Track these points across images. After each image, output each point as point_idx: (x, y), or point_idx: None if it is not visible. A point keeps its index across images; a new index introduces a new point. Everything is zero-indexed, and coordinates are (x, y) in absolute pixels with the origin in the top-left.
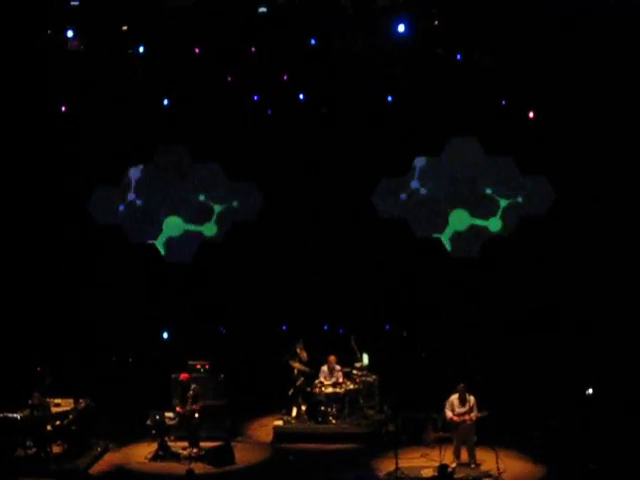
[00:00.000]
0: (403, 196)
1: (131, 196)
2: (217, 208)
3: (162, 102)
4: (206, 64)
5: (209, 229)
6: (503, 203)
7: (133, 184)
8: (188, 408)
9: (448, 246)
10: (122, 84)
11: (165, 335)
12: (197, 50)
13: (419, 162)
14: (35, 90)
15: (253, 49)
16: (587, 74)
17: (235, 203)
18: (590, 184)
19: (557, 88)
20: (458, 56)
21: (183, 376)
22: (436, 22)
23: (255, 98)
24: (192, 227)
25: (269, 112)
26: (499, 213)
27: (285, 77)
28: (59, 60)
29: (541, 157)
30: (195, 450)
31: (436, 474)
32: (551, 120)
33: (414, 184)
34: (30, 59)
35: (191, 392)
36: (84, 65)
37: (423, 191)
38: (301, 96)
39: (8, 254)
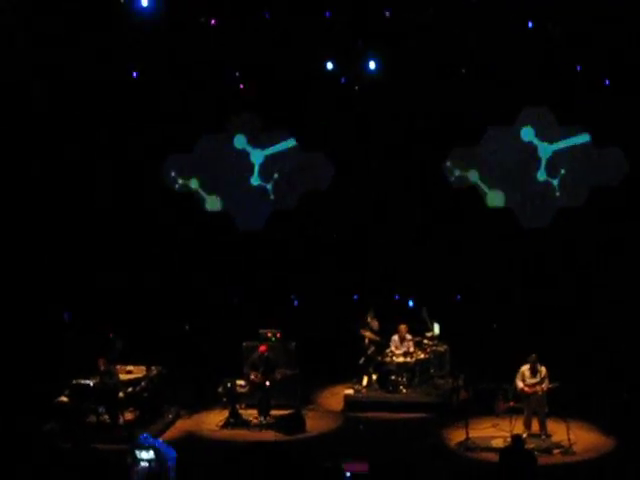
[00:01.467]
0: (477, 166)
1: (209, 165)
2: (289, 177)
3: (233, 72)
4: (277, 32)
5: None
6: (576, 173)
7: (214, 153)
8: (263, 379)
9: (520, 217)
10: (194, 53)
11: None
12: (267, 17)
13: (499, 133)
14: (107, 56)
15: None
16: None
17: (307, 172)
18: None
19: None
20: (529, 24)
21: (262, 348)
22: None
23: (328, 67)
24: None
25: (342, 80)
26: (571, 183)
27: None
28: (129, 26)
29: (615, 128)
30: (257, 419)
31: (509, 444)
32: (627, 90)
33: (492, 155)
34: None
35: (267, 362)
36: (157, 32)
37: (498, 161)
38: (372, 64)
39: (83, 219)
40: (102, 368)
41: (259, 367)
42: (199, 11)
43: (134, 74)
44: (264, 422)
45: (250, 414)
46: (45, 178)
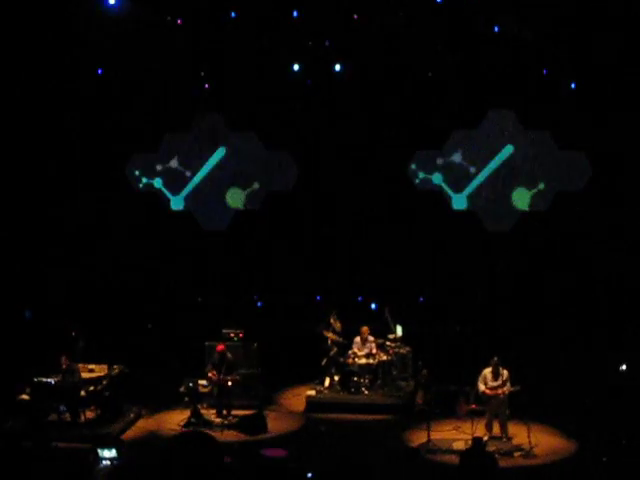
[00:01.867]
0: (440, 169)
1: (173, 164)
2: (253, 177)
3: (199, 70)
4: (245, 31)
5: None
6: (540, 178)
7: (176, 152)
8: (222, 377)
9: (483, 220)
10: (160, 51)
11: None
12: (234, 16)
13: (459, 135)
14: (71, 54)
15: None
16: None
17: (270, 172)
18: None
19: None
20: (495, 28)
21: (219, 347)
22: None
23: (294, 68)
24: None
25: (308, 82)
26: (535, 188)
27: (325, 45)
28: (96, 25)
29: (579, 132)
30: (219, 420)
31: (470, 446)
32: (590, 94)
33: (456, 158)
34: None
35: (227, 362)
36: (123, 31)
37: (460, 163)
38: (338, 67)
39: (46, 219)
40: (64, 366)
41: (217, 366)
42: (165, 10)
43: (99, 71)
44: (226, 422)
45: (212, 413)
46: (6, 175)
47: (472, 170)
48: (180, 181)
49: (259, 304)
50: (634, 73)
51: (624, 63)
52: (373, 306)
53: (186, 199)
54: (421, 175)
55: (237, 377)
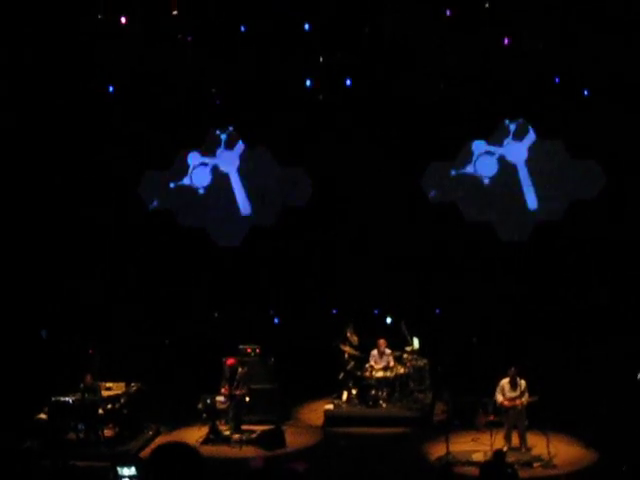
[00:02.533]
0: (454, 180)
1: (186, 181)
2: (267, 193)
3: (212, 87)
4: (256, 46)
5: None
6: (554, 187)
7: (190, 169)
8: (233, 392)
9: (498, 230)
10: (172, 68)
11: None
12: (244, 31)
13: (476, 147)
14: (84, 72)
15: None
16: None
17: (286, 188)
18: None
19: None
20: (505, 40)
21: (230, 361)
22: (486, 5)
23: (307, 83)
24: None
25: (320, 97)
26: (550, 197)
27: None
28: (110, 44)
29: (592, 141)
30: (237, 435)
31: (491, 459)
32: (603, 102)
33: (469, 169)
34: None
35: (238, 376)
36: (135, 49)
37: (476, 175)
38: (348, 82)
39: (61, 237)
40: (87, 384)
41: (229, 381)
42: (176, 27)
43: (110, 89)
44: (244, 438)
45: (229, 429)
46: (21, 195)
47: (486, 181)
48: (193, 198)
49: (276, 319)
50: None
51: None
52: (388, 320)
53: (199, 216)
54: (435, 187)
55: (244, 390)
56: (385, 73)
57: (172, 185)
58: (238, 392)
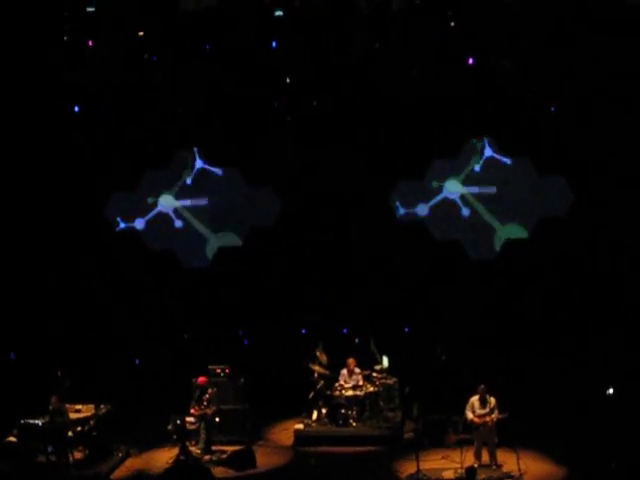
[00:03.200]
0: (422, 199)
1: (152, 202)
2: (234, 213)
3: (178, 107)
4: (223, 65)
5: (226, 235)
6: (522, 204)
7: (156, 190)
8: (202, 411)
9: (468, 249)
10: (138, 89)
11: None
12: (212, 53)
13: (439, 165)
14: (50, 93)
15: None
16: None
17: (252, 208)
18: (610, 185)
19: (575, 87)
20: (470, 60)
21: (200, 380)
22: (452, 24)
23: (274, 104)
24: (210, 232)
25: (288, 118)
26: (517, 216)
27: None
28: (76, 65)
29: (559, 158)
30: (208, 456)
31: (464, 476)
32: (569, 120)
33: (437, 188)
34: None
35: (207, 395)
36: (101, 70)
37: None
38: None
39: (29, 258)
40: (54, 406)
41: (198, 401)
42: (142, 47)
43: (76, 108)
44: (214, 458)
45: (199, 450)
46: None
47: (453, 199)
48: (160, 219)
49: (245, 340)
50: (615, 94)
51: (603, 85)
52: (357, 340)
53: (166, 237)
54: (403, 206)
55: (213, 408)
56: (353, 90)
57: (138, 206)
58: (209, 411)
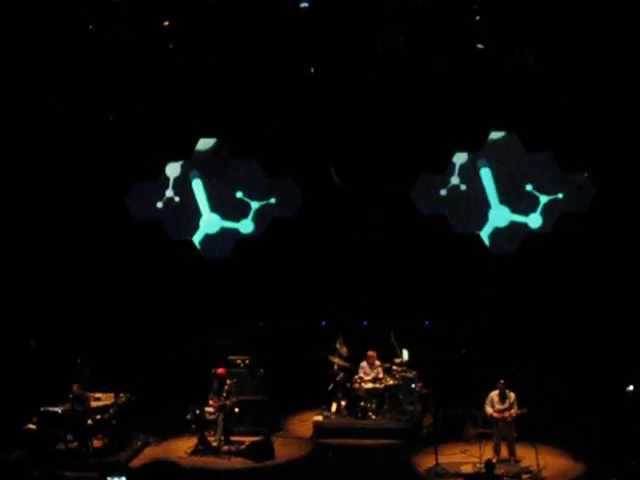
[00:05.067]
0: (443, 192)
1: (169, 192)
2: (255, 204)
3: (201, 97)
4: (244, 59)
5: (246, 226)
6: (543, 199)
7: (171, 180)
8: (222, 402)
9: (487, 243)
10: (160, 79)
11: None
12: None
13: (459, 158)
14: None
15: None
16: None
17: (273, 199)
18: (633, 182)
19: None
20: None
21: (220, 370)
22: (477, 17)
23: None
24: (230, 224)
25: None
26: (539, 210)
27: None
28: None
29: (583, 154)
30: (226, 446)
31: (483, 470)
32: (593, 116)
33: (454, 180)
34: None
35: (226, 387)
36: (123, 59)
37: (463, 187)
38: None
39: (48, 244)
40: (76, 393)
41: (218, 392)
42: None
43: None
44: (233, 449)
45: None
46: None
47: (475, 193)
48: (181, 210)
49: (264, 329)
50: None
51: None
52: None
53: (187, 229)
54: (424, 198)
55: (233, 399)
56: (372, 84)
57: (159, 197)
58: (228, 402)
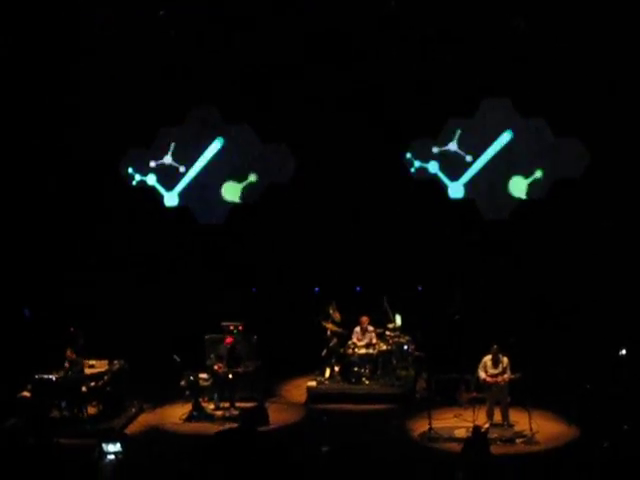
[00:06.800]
0: (435, 150)
1: (167, 159)
2: (249, 170)
3: (193, 63)
4: (239, 24)
5: (239, 191)
6: (537, 165)
7: (171, 147)
8: (227, 370)
9: (481, 208)
10: (153, 46)
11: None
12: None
13: (454, 123)
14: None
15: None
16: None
17: (268, 165)
18: (626, 147)
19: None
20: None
21: (228, 340)
22: None
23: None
24: (224, 190)
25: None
26: (533, 176)
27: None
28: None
29: (576, 119)
30: (220, 412)
31: (470, 435)
32: (586, 81)
33: (452, 147)
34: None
35: (234, 355)
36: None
37: (456, 152)
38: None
39: (44, 217)
40: (70, 358)
41: (224, 359)
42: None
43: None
44: (227, 415)
45: (213, 407)
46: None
47: (468, 159)
48: (175, 176)
49: (257, 295)
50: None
51: (620, 48)
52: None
53: (181, 194)
54: (417, 164)
55: (241, 370)
56: (366, 50)
57: (153, 163)
58: (240, 370)
